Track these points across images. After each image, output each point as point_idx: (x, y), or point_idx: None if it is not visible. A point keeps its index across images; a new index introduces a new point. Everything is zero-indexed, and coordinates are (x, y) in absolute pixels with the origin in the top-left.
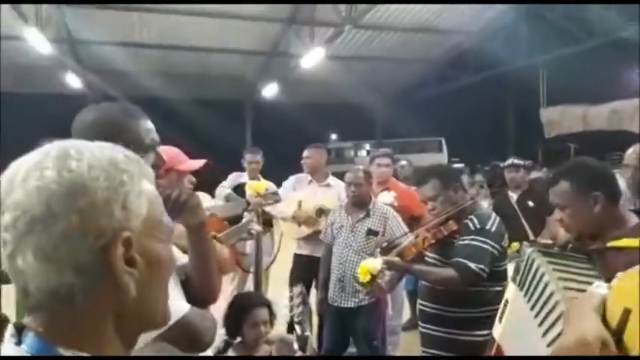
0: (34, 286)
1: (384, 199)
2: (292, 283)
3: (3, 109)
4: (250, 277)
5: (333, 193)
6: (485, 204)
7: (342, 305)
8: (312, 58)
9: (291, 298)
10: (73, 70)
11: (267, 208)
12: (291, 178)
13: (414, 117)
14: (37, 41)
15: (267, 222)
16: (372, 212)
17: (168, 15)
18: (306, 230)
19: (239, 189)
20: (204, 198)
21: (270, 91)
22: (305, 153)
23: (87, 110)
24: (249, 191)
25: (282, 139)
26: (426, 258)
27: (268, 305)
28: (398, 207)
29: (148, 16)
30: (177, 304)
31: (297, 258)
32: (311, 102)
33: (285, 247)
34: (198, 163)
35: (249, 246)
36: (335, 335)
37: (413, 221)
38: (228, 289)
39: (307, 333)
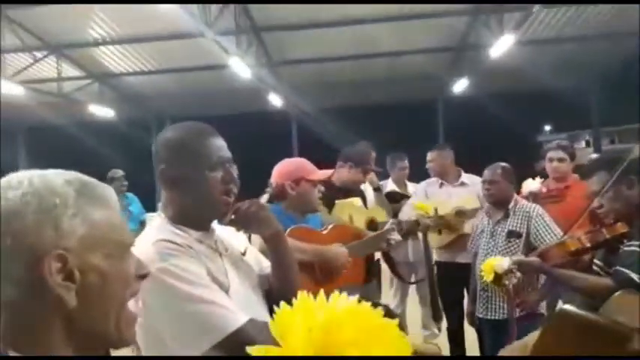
0: None
1: (529, 187)
2: (440, 293)
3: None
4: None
5: (471, 192)
6: None
7: (489, 317)
8: (501, 46)
9: None
10: (274, 90)
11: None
12: (422, 184)
13: (638, 98)
14: (239, 68)
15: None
16: (512, 212)
17: (353, 27)
18: (448, 237)
19: (389, 198)
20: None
21: (460, 86)
22: (428, 156)
23: (165, 130)
24: (417, 211)
25: (478, 135)
26: (594, 266)
27: (396, 317)
28: (572, 208)
29: (340, 29)
30: (236, 315)
31: (440, 266)
32: (509, 92)
33: None
34: (326, 173)
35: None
36: (491, 351)
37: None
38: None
39: None
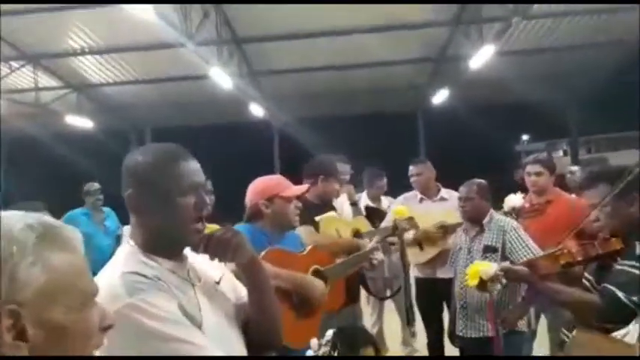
0: None
1: (511, 202)
2: (420, 309)
3: (194, 141)
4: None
5: (451, 206)
6: None
7: (470, 336)
8: (481, 57)
9: (319, 346)
10: (255, 100)
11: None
12: (399, 199)
13: (615, 109)
14: (220, 78)
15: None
16: (487, 227)
17: (335, 38)
18: (430, 252)
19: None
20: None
21: (440, 97)
22: (411, 169)
23: (133, 152)
24: (395, 216)
25: (458, 145)
26: (584, 280)
27: (374, 343)
28: (553, 222)
29: (320, 40)
30: (208, 354)
31: (419, 282)
32: (488, 104)
33: None
34: (302, 188)
35: None
36: None
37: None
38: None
39: None
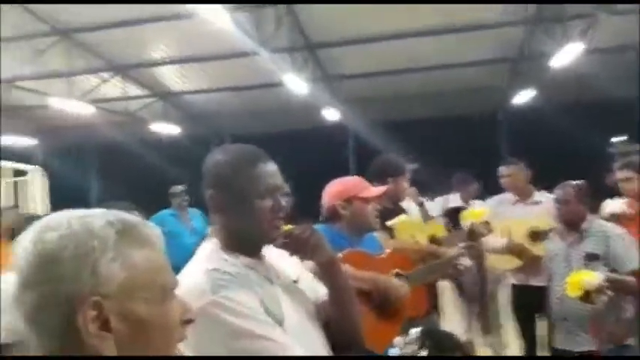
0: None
1: (611, 207)
2: (517, 317)
3: (271, 147)
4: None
5: (544, 210)
6: None
7: (570, 350)
8: (566, 55)
9: (404, 344)
10: (330, 104)
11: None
12: (491, 202)
13: None
14: (294, 84)
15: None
16: (587, 232)
17: (409, 39)
18: (520, 259)
19: (451, 215)
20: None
21: (522, 98)
22: (502, 170)
23: (214, 152)
24: (469, 219)
25: (544, 148)
26: None
27: (461, 348)
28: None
29: (395, 43)
30: (292, 352)
31: (515, 289)
32: (574, 104)
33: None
34: (380, 190)
35: None
36: None
37: None
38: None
39: None
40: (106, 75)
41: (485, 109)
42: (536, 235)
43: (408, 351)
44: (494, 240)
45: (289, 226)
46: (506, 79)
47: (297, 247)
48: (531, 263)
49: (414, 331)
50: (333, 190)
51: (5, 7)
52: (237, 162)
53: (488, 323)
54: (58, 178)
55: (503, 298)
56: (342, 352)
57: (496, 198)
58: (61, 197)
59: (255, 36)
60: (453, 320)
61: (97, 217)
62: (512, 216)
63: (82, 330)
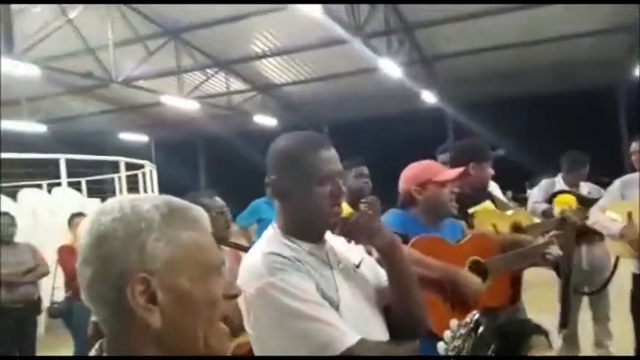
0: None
1: None
2: (634, 310)
3: (368, 133)
4: None
5: None
6: None
7: None
8: None
9: (458, 327)
10: (427, 87)
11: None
12: (616, 183)
13: None
14: (389, 68)
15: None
16: None
17: (511, 13)
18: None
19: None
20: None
21: None
22: (634, 146)
23: (277, 139)
24: (560, 206)
25: None
26: None
27: (546, 334)
28: None
29: (495, 18)
30: (345, 335)
31: (635, 279)
32: None
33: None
34: (455, 172)
35: None
36: None
37: None
38: None
39: None
40: (210, 71)
41: (602, 84)
42: None
43: (462, 332)
44: (610, 223)
45: (350, 212)
46: (627, 50)
47: (354, 232)
48: None
49: (473, 313)
50: (408, 175)
51: (116, 11)
52: (297, 148)
53: (567, 317)
54: (167, 171)
55: (616, 289)
56: (403, 338)
57: (619, 180)
58: (171, 190)
59: (351, 22)
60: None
61: (145, 201)
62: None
63: (131, 302)
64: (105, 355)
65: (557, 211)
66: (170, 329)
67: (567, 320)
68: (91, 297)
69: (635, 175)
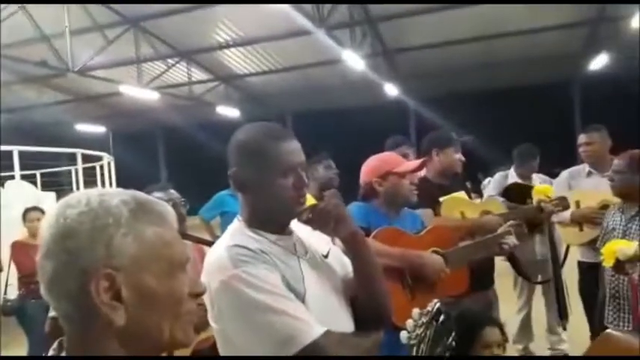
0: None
1: None
2: (584, 296)
3: (331, 125)
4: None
5: None
6: None
7: (620, 328)
8: None
9: (419, 315)
10: (389, 80)
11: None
12: (564, 174)
13: None
14: (352, 60)
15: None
16: None
17: (474, 7)
18: (591, 234)
19: (510, 193)
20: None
21: (598, 63)
22: (582, 138)
23: (238, 131)
24: (537, 196)
25: (623, 117)
26: None
27: (500, 326)
28: None
29: (458, 12)
30: (310, 327)
31: (582, 267)
32: None
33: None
34: (414, 164)
35: None
36: None
37: None
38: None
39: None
40: (171, 61)
41: (558, 77)
42: (608, 208)
43: (424, 320)
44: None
45: (313, 202)
46: (583, 44)
47: (319, 221)
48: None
49: (434, 302)
50: (369, 167)
51: None
52: (258, 140)
53: (566, 308)
54: (126, 163)
55: (568, 278)
56: (368, 329)
57: (567, 171)
58: (130, 183)
59: (313, 14)
60: (511, 294)
61: (113, 196)
62: (586, 188)
63: (95, 299)
64: (65, 353)
65: (535, 200)
66: (134, 326)
67: (567, 312)
68: (52, 292)
69: (581, 166)
